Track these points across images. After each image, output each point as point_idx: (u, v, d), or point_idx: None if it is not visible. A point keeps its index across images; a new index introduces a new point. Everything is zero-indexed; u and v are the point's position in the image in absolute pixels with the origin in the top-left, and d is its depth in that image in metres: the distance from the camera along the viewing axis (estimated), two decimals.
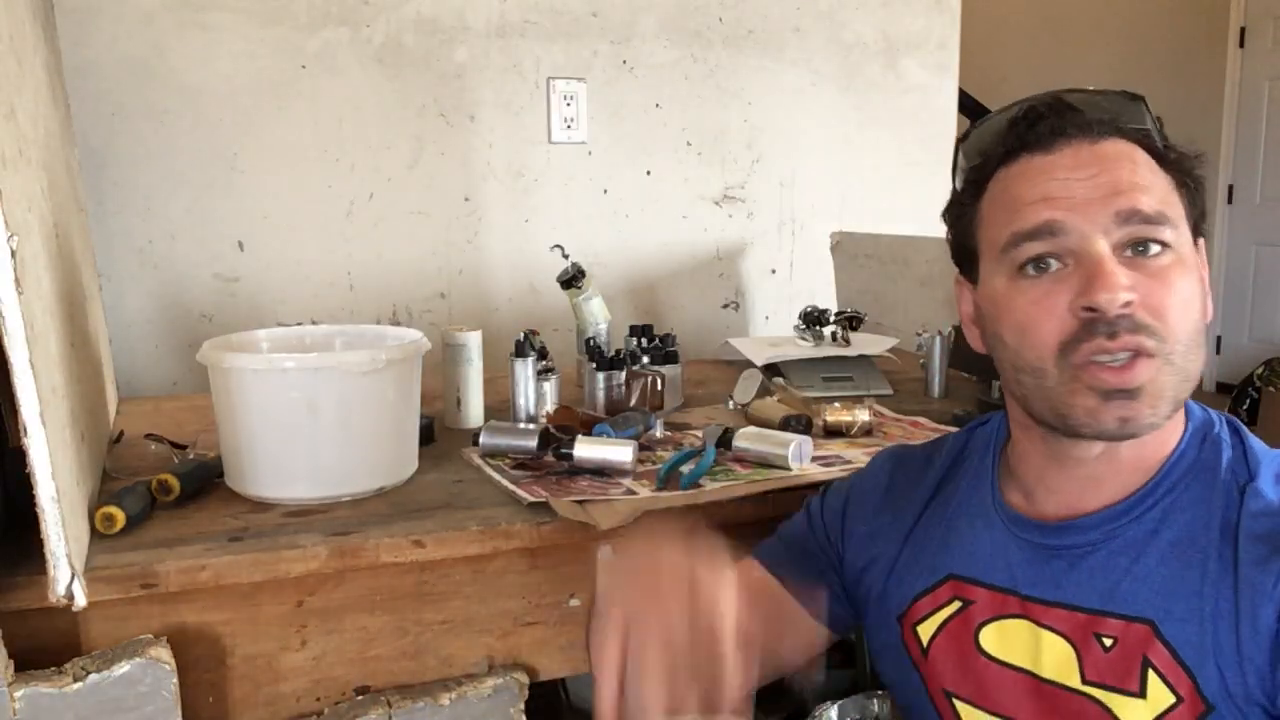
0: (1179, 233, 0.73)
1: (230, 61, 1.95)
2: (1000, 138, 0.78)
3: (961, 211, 0.82)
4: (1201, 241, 0.78)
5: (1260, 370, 4.37)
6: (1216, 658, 0.69)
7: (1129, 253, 0.72)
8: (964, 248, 0.82)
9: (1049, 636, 0.77)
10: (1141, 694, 0.71)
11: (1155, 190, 0.73)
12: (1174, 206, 0.74)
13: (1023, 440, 0.83)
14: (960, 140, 0.83)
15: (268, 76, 1.97)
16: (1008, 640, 0.80)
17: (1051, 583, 0.78)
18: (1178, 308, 0.72)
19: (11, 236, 0.76)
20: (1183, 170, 0.76)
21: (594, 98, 2.21)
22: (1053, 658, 0.76)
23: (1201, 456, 0.77)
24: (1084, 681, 0.74)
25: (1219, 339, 5.01)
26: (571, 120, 2.19)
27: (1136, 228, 0.72)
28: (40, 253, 0.93)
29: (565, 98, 2.18)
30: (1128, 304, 0.70)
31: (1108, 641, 0.74)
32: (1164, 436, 0.77)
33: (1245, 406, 4.28)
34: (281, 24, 1.97)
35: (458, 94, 2.11)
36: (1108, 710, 0.73)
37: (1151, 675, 0.71)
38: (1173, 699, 0.70)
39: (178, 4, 1.90)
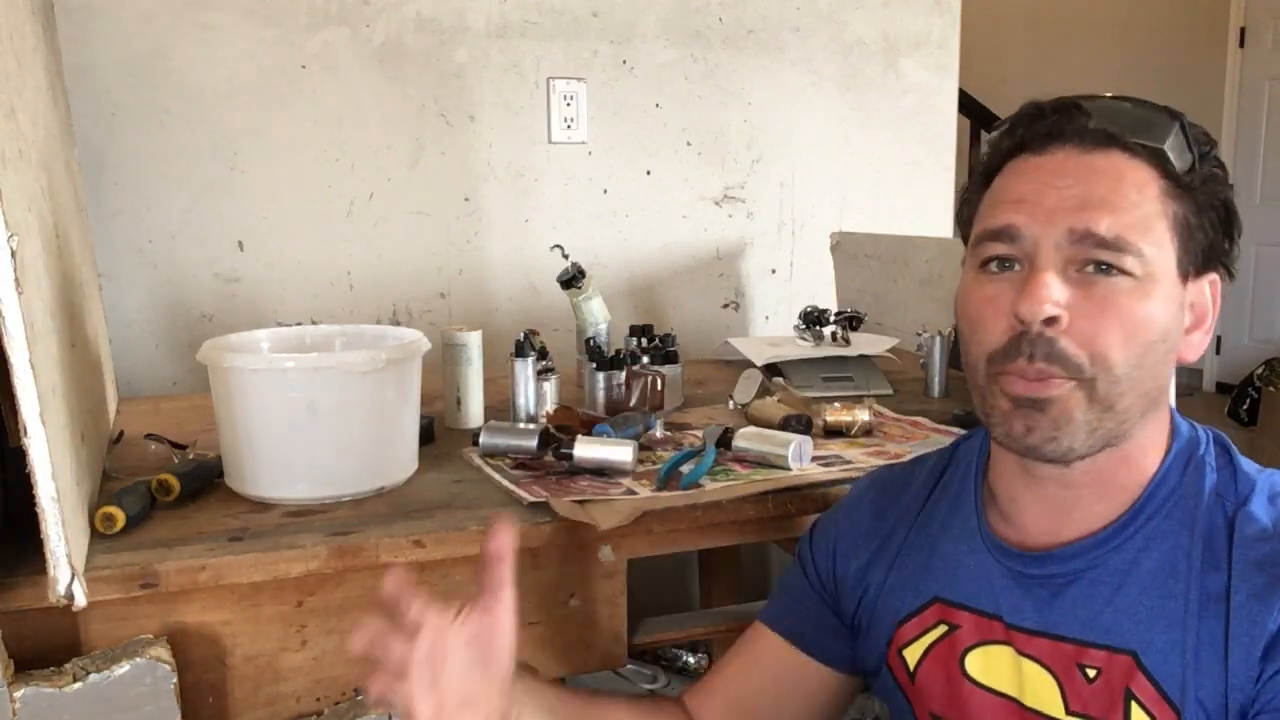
0: (1146, 261, 0.70)
1: (230, 61, 1.94)
2: (1006, 133, 0.78)
3: (967, 200, 0.82)
4: (1213, 279, 0.75)
5: (1260, 370, 4.37)
6: (1198, 692, 0.68)
7: (1090, 270, 0.70)
8: (965, 237, 0.82)
9: (1030, 666, 0.76)
10: None
11: (1130, 214, 0.70)
12: (1152, 234, 0.70)
13: (996, 454, 0.82)
14: (990, 130, 0.82)
15: (268, 76, 1.97)
16: (992, 666, 0.79)
17: (1034, 611, 0.77)
18: (1114, 337, 0.69)
19: (11, 236, 0.76)
20: (1196, 202, 0.72)
21: (594, 98, 2.21)
22: (1035, 687, 0.76)
23: (1185, 480, 0.75)
24: (1068, 712, 0.74)
25: (1219, 339, 5.01)
26: (571, 120, 2.19)
27: (1089, 249, 0.70)
28: (40, 253, 0.93)
29: (565, 98, 2.18)
30: (1052, 320, 0.69)
31: (1091, 672, 0.73)
32: (1141, 459, 0.75)
33: (1245, 406, 4.29)
34: (281, 24, 1.97)
35: (458, 94, 2.11)
36: None
37: (1135, 708, 0.70)
38: None
39: (178, 4, 1.90)
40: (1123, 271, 0.70)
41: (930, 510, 0.88)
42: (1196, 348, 0.75)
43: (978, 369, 0.75)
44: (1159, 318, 0.71)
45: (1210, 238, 0.74)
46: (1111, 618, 0.73)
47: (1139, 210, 0.70)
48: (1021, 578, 0.78)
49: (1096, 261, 0.70)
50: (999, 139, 0.78)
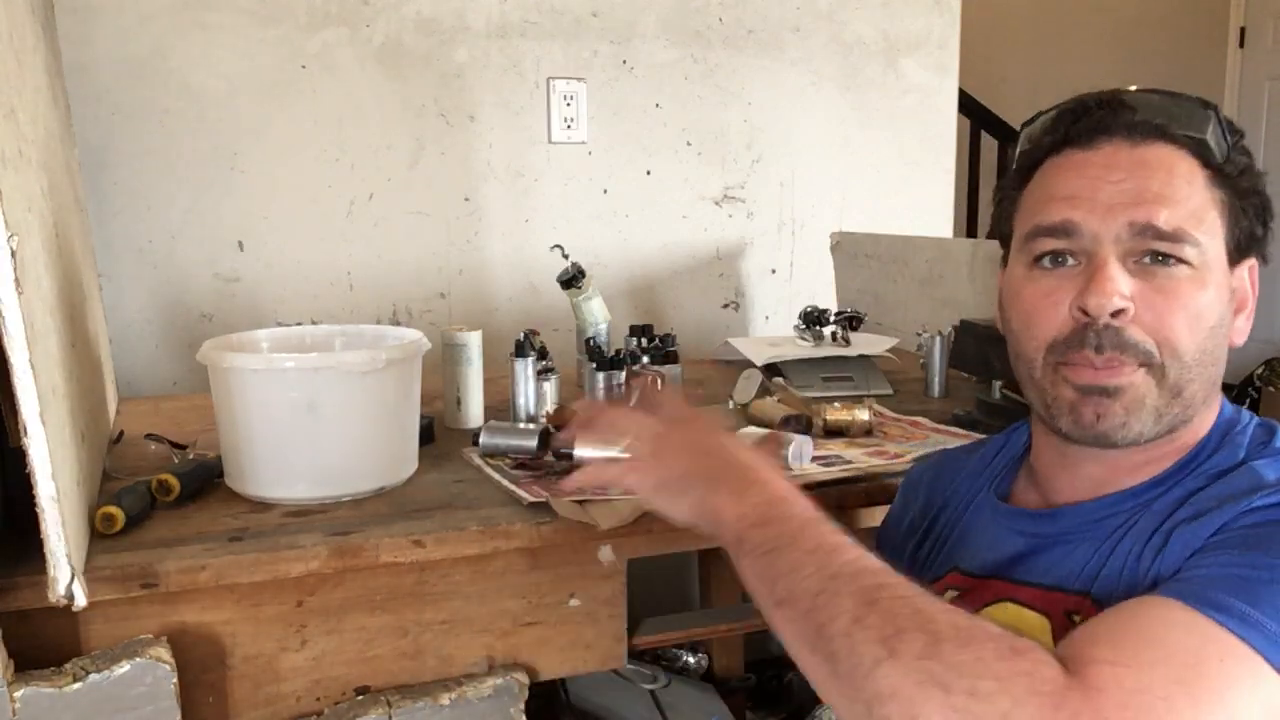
0: (1202, 250, 0.71)
1: (230, 61, 1.94)
2: (1049, 128, 0.78)
3: (1005, 194, 0.82)
4: (1252, 264, 0.77)
5: (1260, 370, 4.37)
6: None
7: (1147, 260, 0.71)
8: (1002, 231, 0.83)
9: (1030, 615, 0.78)
10: None
11: (1185, 205, 0.71)
12: (1205, 224, 0.72)
13: (1037, 439, 0.85)
14: (1024, 124, 0.83)
15: (268, 76, 1.97)
16: (999, 623, 0.81)
17: (1039, 567, 0.79)
18: (1180, 325, 0.71)
19: (11, 236, 0.76)
20: (1237, 189, 0.74)
21: (594, 98, 2.20)
22: (1034, 637, 0.78)
23: (1214, 459, 0.76)
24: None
25: None
26: (571, 120, 2.19)
27: (1150, 242, 0.71)
28: (40, 253, 0.93)
29: (565, 98, 2.18)
30: (1120, 312, 0.70)
31: (1077, 619, 0.75)
32: (1186, 442, 0.76)
33: (1245, 406, 4.28)
34: (281, 24, 1.97)
35: (458, 94, 2.10)
36: None
37: None
38: None
39: (178, 4, 1.90)
40: (1181, 261, 0.71)
41: (973, 489, 0.91)
42: (1241, 332, 0.77)
43: (1034, 361, 0.76)
44: (1216, 304, 0.73)
45: (1251, 224, 0.75)
46: (1095, 566, 0.75)
47: (1191, 201, 0.72)
48: (1031, 538, 0.80)
49: (1154, 252, 0.71)
50: (1039, 134, 0.79)
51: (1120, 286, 0.70)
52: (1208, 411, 0.77)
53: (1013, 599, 0.80)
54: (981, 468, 0.93)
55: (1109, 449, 0.75)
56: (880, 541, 0.99)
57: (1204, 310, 0.72)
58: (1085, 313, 0.71)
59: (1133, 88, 0.77)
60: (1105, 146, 0.74)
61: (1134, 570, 0.71)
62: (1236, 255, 0.75)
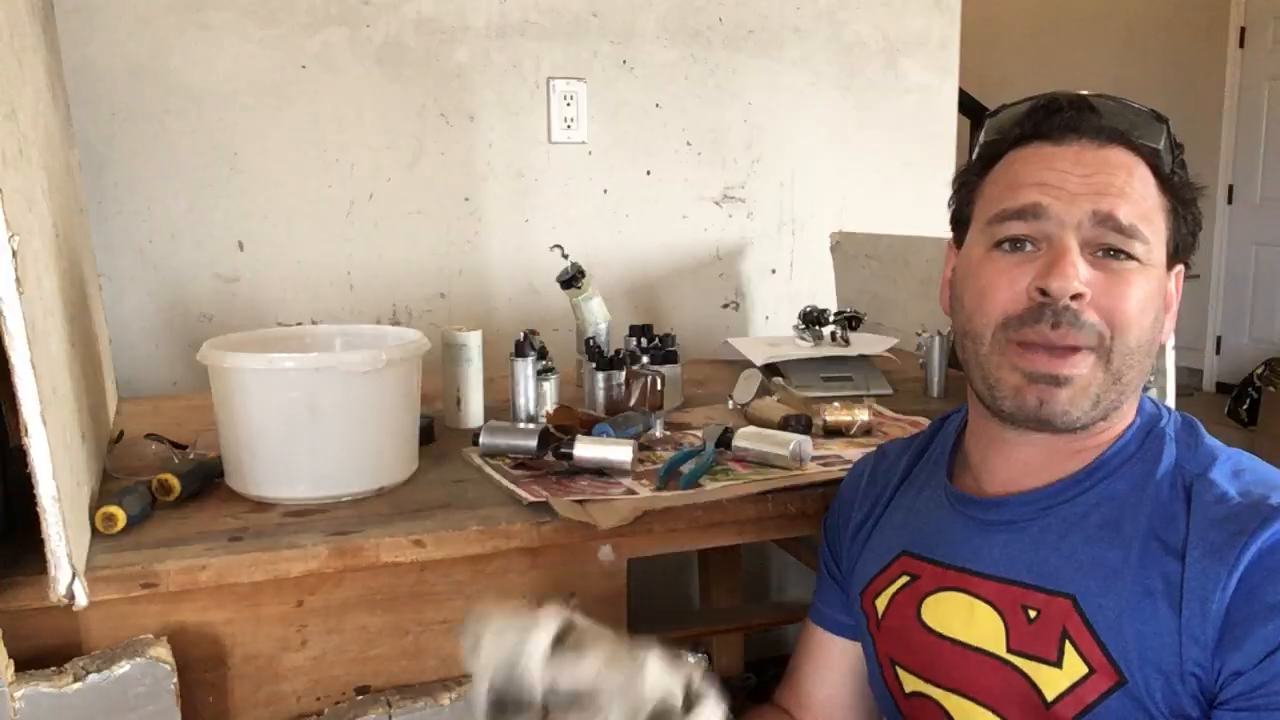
0: (1150, 249, 0.77)
1: (230, 61, 1.94)
2: (1019, 121, 0.83)
3: (966, 180, 0.87)
4: (1179, 270, 0.83)
5: (1260, 370, 4.37)
6: (1139, 635, 0.72)
7: (1100, 254, 0.77)
8: (959, 215, 0.88)
9: (981, 607, 0.81)
10: (1058, 663, 0.76)
11: (1140, 205, 0.77)
12: (1154, 225, 0.78)
13: (974, 421, 0.88)
14: (988, 115, 0.87)
15: (268, 76, 1.97)
16: (944, 612, 0.84)
17: (987, 556, 0.82)
18: (1130, 313, 0.76)
19: (12, 236, 0.76)
20: (1180, 198, 0.80)
21: (594, 98, 2.20)
22: (982, 627, 0.81)
23: (1143, 449, 0.80)
24: (1009, 650, 0.79)
25: (1219, 339, 5.00)
26: (571, 120, 2.19)
27: (1108, 233, 0.76)
28: (40, 253, 0.93)
29: (565, 98, 2.18)
30: (1078, 296, 0.75)
31: (1032, 614, 0.78)
32: (1110, 430, 0.81)
33: (1245, 406, 4.28)
34: (281, 24, 1.97)
35: (458, 94, 2.10)
36: (1027, 678, 0.77)
37: (1068, 646, 0.75)
38: (1085, 670, 0.74)
39: (178, 4, 1.90)
40: (1130, 256, 0.76)
41: (915, 475, 0.96)
42: (1166, 330, 0.82)
43: (983, 338, 0.80)
44: (1156, 300, 0.78)
45: (1188, 232, 0.81)
46: (1055, 563, 0.78)
47: (1145, 203, 0.78)
48: (978, 524, 0.84)
49: (1109, 247, 0.76)
50: (1008, 125, 0.83)
51: (1081, 271, 0.75)
52: (1130, 405, 0.82)
53: (963, 589, 0.83)
54: (918, 454, 0.97)
55: (1048, 433, 0.79)
56: (825, 530, 1.05)
57: (1147, 303, 0.77)
58: (1045, 293, 0.76)
59: (1103, 94, 0.82)
60: (1074, 144, 0.79)
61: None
62: (1173, 259, 0.81)
